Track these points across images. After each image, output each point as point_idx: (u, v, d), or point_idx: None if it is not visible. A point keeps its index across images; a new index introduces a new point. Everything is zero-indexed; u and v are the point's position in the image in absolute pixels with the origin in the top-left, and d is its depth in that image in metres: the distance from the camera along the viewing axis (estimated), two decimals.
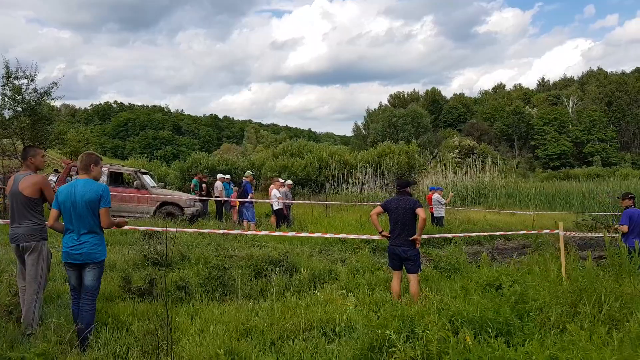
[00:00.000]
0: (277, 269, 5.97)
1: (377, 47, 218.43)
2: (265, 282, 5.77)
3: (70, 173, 12.61)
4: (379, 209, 5.81)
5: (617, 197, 9.54)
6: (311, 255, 8.37)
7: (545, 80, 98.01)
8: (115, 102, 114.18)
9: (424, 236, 6.16)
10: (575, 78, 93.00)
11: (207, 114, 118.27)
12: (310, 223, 12.52)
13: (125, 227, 4.79)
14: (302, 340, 3.87)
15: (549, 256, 6.14)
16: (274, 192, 11.99)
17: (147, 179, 13.50)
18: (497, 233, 8.88)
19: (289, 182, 13.73)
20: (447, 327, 3.37)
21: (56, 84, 13.92)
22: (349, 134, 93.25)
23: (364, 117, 77.78)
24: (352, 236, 7.79)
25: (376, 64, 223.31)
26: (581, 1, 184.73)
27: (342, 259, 8.08)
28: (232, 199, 13.18)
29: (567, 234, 6.87)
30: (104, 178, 12.45)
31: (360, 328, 4.15)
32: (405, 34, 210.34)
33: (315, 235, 7.67)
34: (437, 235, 7.66)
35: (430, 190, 13.74)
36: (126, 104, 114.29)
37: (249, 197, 11.93)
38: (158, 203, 12.59)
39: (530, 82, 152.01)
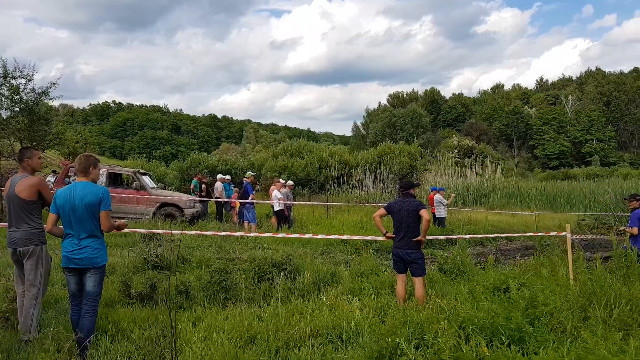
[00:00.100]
0: (281, 272, 5.86)
1: (376, 47, 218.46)
2: (269, 286, 5.66)
3: (69, 174, 12.48)
4: (382, 211, 5.72)
5: (625, 199, 9.47)
6: (313, 258, 8.27)
7: (543, 80, 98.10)
8: (114, 101, 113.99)
9: (429, 237, 6.06)
10: (574, 78, 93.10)
11: (206, 114, 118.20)
12: (311, 224, 12.42)
13: (126, 230, 4.68)
14: (309, 347, 3.77)
15: (558, 259, 6.01)
16: (275, 193, 11.88)
17: (147, 179, 13.38)
18: (504, 235, 8.79)
19: (290, 182, 13.62)
20: (459, 335, 3.27)
21: (54, 83, 13.79)
22: (348, 133, 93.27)
23: (363, 117, 77.72)
24: (356, 237, 7.69)
25: (375, 64, 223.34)
26: (579, 1, 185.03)
27: (345, 261, 7.98)
28: (233, 200, 13.06)
29: (575, 237, 6.77)
30: (102, 179, 12.33)
31: (367, 334, 4.06)
32: (404, 33, 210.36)
33: (319, 236, 7.56)
34: (442, 237, 7.56)
35: (431, 191, 13.64)
36: (124, 103, 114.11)
37: (249, 198, 11.82)
38: (157, 204, 12.46)
39: (528, 82, 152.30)
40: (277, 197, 11.82)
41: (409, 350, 3.21)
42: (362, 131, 73.84)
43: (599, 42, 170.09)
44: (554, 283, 4.93)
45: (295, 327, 4.12)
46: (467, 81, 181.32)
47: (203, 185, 14.40)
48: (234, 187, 15.02)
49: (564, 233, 5.94)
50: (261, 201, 13.58)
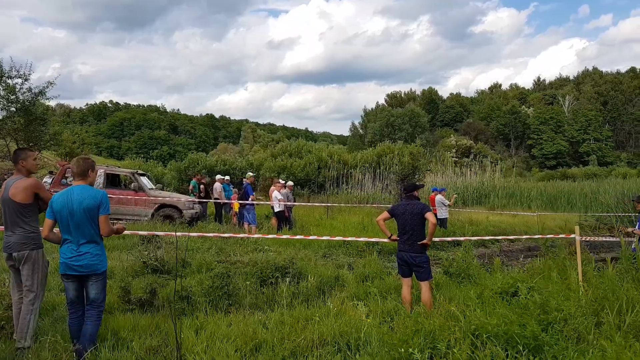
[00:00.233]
0: (285, 277, 5.72)
1: (374, 47, 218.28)
2: (272, 291, 5.52)
3: (66, 175, 12.29)
4: (385, 214, 5.59)
5: (632, 200, 9.38)
6: (315, 260, 8.13)
7: (541, 79, 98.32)
8: (111, 101, 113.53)
9: (435, 240, 5.94)
10: (571, 78, 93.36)
11: (204, 114, 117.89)
12: (312, 225, 12.28)
13: (126, 232, 4.53)
14: (316, 357, 3.63)
15: (568, 262, 5.89)
16: (275, 193, 11.73)
17: (145, 180, 13.20)
18: (512, 237, 8.66)
19: (290, 183, 13.45)
20: (474, 344, 3.15)
21: (52, 83, 13.63)
22: (346, 133, 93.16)
23: (361, 116, 77.63)
24: (361, 239, 7.56)
25: (373, 64, 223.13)
26: (576, 1, 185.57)
27: (349, 264, 7.84)
28: (232, 201, 12.90)
29: (584, 239, 6.66)
30: (100, 180, 12.15)
31: (375, 342, 3.92)
32: (402, 33, 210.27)
33: (323, 238, 7.42)
34: (449, 239, 7.43)
35: (432, 192, 13.52)
36: (122, 103, 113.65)
37: (250, 199, 11.67)
38: (156, 205, 12.29)
39: (526, 81, 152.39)
40: (277, 198, 11.67)
41: None
42: (360, 131, 73.76)
43: (596, 42, 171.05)
44: (565, 287, 4.80)
45: (301, 334, 3.98)
46: (465, 81, 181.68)
47: (201, 186, 14.24)
48: (233, 187, 14.85)
49: (572, 235, 5.82)
50: (262, 202, 13.42)
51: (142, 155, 56.45)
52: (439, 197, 12.49)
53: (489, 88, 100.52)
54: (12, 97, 12.99)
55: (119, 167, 15.06)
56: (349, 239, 7.59)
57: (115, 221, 10.62)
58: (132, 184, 12.52)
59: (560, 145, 70.16)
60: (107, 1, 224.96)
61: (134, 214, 12.06)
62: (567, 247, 7.56)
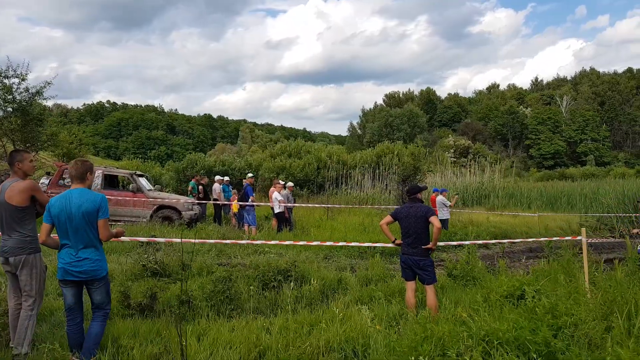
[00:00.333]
0: (288, 281, 5.62)
1: (372, 47, 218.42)
2: (275, 295, 5.42)
3: (63, 176, 12.15)
4: (388, 218, 5.49)
5: (638, 202, 9.32)
6: (316, 262, 8.03)
7: (538, 80, 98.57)
8: (108, 101, 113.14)
9: (440, 244, 5.85)
10: (569, 78, 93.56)
11: (201, 114, 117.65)
12: (312, 226, 12.17)
13: (125, 238, 4.42)
14: None
15: (576, 265, 5.80)
16: (275, 194, 11.62)
17: (143, 181, 13.07)
18: (517, 240, 8.57)
19: (290, 184, 13.32)
20: (486, 352, 3.06)
21: (49, 83, 13.48)
22: (344, 133, 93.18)
23: (360, 116, 77.58)
24: (365, 244, 7.46)
25: (370, 64, 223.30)
26: (573, 2, 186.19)
27: (351, 266, 7.74)
28: (232, 203, 12.77)
29: (590, 241, 6.58)
30: (98, 181, 12.02)
31: (383, 349, 3.83)
32: (400, 33, 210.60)
33: (327, 244, 7.32)
34: (454, 243, 7.34)
35: (433, 192, 13.42)
36: (119, 103, 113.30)
37: (249, 200, 11.56)
38: (155, 207, 12.16)
39: (523, 82, 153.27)
40: (278, 199, 11.56)
41: None
42: (359, 131, 73.70)
43: (593, 42, 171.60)
44: (574, 290, 4.71)
45: (306, 341, 3.88)
46: (462, 81, 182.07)
47: (200, 187, 14.11)
48: (232, 188, 14.73)
49: (579, 237, 5.74)
50: (262, 203, 13.30)
51: (139, 156, 56.30)
52: (440, 198, 12.39)
53: (487, 88, 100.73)
54: (8, 97, 12.84)
55: (117, 167, 14.92)
56: (352, 244, 7.50)
57: (113, 223, 10.51)
58: (131, 185, 12.40)
59: (557, 145, 70.31)
60: (104, 1, 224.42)
61: (133, 216, 11.93)
62: (570, 248, 7.48)
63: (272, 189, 12.15)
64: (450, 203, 12.41)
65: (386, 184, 21.45)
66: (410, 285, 5.30)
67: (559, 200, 18.17)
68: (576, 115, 72.60)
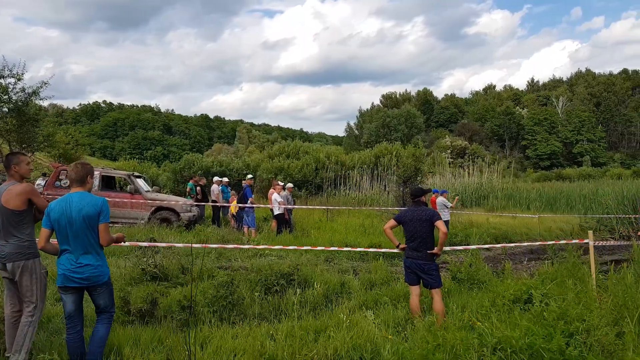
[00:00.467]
0: (291, 285, 5.51)
1: (368, 48, 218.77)
2: (278, 300, 5.31)
3: (60, 177, 11.99)
4: (392, 222, 5.39)
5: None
6: (318, 264, 7.92)
7: (534, 81, 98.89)
8: (104, 101, 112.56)
9: (446, 248, 5.76)
10: (564, 79, 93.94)
11: (198, 114, 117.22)
12: (312, 228, 12.06)
13: (125, 243, 4.30)
14: None
15: (585, 270, 5.72)
16: (275, 196, 11.50)
17: (141, 182, 12.92)
18: (525, 244, 8.50)
19: (290, 185, 13.19)
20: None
21: (45, 83, 13.30)
22: (341, 134, 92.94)
23: (357, 117, 77.49)
24: (371, 250, 7.36)
25: (367, 65, 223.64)
26: (568, 3, 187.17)
27: (353, 269, 7.65)
28: (231, 204, 12.64)
29: (597, 244, 6.51)
30: (95, 182, 11.86)
31: (392, 356, 3.73)
32: (396, 34, 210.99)
33: (332, 249, 7.23)
34: (460, 248, 7.25)
35: (433, 193, 13.33)
36: (115, 103, 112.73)
37: (248, 201, 11.44)
38: (153, 208, 12.02)
39: (519, 83, 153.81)
40: (277, 200, 11.44)
41: None
42: (356, 132, 73.60)
43: (588, 43, 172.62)
44: (584, 296, 4.63)
45: (313, 348, 3.78)
46: (458, 82, 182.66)
47: (198, 188, 13.95)
48: (231, 190, 14.60)
49: (586, 240, 5.66)
50: (261, 205, 13.18)
51: (136, 156, 55.98)
52: (440, 199, 12.31)
53: (483, 89, 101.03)
54: (4, 97, 12.66)
55: (114, 169, 14.76)
56: (358, 249, 7.42)
57: (110, 225, 10.34)
58: (129, 187, 12.24)
59: (554, 146, 70.54)
60: (100, 1, 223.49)
61: (130, 217, 11.78)
62: (574, 251, 7.41)
63: (271, 190, 12.03)
64: (451, 204, 12.32)
65: (385, 185, 21.38)
66: (415, 290, 5.19)
67: (558, 201, 18.14)
68: (572, 116, 72.88)
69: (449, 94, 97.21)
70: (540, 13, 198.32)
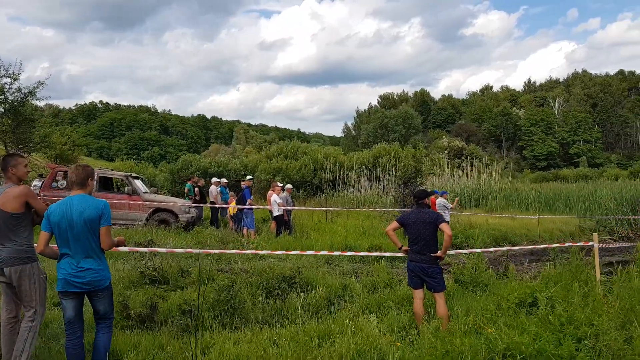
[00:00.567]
0: (293, 288, 5.43)
1: (366, 48, 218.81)
2: (280, 304, 5.23)
3: (56, 178, 11.86)
4: (395, 224, 5.30)
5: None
6: (318, 267, 7.85)
7: (531, 82, 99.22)
8: (101, 102, 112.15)
9: (451, 252, 5.70)
10: (561, 80, 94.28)
11: (195, 114, 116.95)
12: (312, 229, 11.97)
13: (125, 248, 4.21)
14: None
15: (591, 274, 5.67)
16: (274, 197, 11.40)
17: (139, 183, 12.80)
18: (530, 247, 8.45)
19: (289, 186, 13.09)
20: None
21: (42, 83, 13.15)
22: (338, 134, 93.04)
23: (354, 117, 77.53)
24: (374, 254, 7.29)
25: (364, 65, 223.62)
26: (564, 5, 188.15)
27: (354, 271, 7.57)
28: (229, 206, 12.54)
29: (601, 246, 6.46)
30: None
31: None
32: (394, 35, 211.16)
33: (335, 253, 7.16)
34: (465, 251, 7.19)
35: (433, 194, 13.27)
36: (112, 104, 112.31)
37: (247, 203, 11.34)
38: (151, 210, 11.90)
39: (516, 83, 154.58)
40: (277, 201, 11.35)
41: None
42: (353, 132, 73.62)
43: (584, 44, 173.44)
44: (591, 299, 4.57)
45: (317, 354, 3.70)
46: (455, 83, 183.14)
47: (196, 189, 13.83)
48: (230, 191, 14.49)
49: (591, 243, 5.61)
50: (260, 207, 13.08)
51: (133, 157, 55.75)
52: (440, 200, 12.23)
53: (480, 90, 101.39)
54: (0, 97, 12.52)
55: (111, 169, 14.62)
56: (361, 254, 7.35)
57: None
58: (126, 188, 12.12)
59: (550, 146, 70.79)
60: (96, 1, 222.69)
61: (128, 219, 11.66)
62: (577, 253, 7.37)
63: (270, 191, 11.93)
64: (451, 205, 12.25)
65: (383, 186, 21.33)
66: (418, 294, 5.11)
67: (557, 202, 18.14)
68: (568, 117, 73.18)
69: (446, 94, 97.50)
70: (537, 14, 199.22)
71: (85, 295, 3.45)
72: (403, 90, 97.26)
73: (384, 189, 20.86)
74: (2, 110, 12.74)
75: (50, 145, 17.37)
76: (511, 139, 75.97)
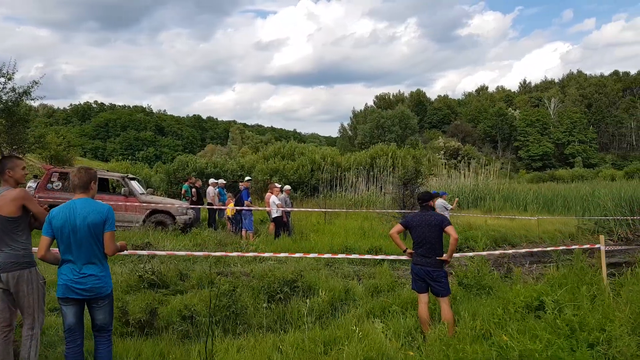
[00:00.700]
0: (295, 292, 5.32)
1: (362, 49, 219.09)
2: (282, 308, 5.11)
3: (52, 179, 11.67)
4: (398, 227, 5.19)
5: None
6: (319, 270, 7.73)
7: (526, 82, 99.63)
8: (96, 102, 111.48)
9: (456, 255, 5.61)
10: (556, 80, 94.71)
11: (190, 115, 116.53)
12: (311, 231, 11.86)
13: (125, 252, 4.09)
14: None
15: (600, 276, 5.58)
16: (273, 199, 11.27)
17: (135, 185, 12.64)
18: (536, 249, 8.38)
19: (287, 187, 12.96)
20: None
21: (37, 82, 12.96)
22: (334, 134, 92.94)
23: (350, 118, 77.43)
24: (378, 257, 7.18)
25: (360, 66, 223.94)
26: (559, 5, 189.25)
27: (356, 274, 7.47)
28: (226, 207, 12.40)
29: (608, 248, 6.39)
30: None
31: None
32: (389, 35, 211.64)
33: (340, 256, 7.07)
34: (470, 254, 7.11)
35: (438, 196, 13.17)
36: (107, 104, 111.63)
37: (245, 204, 11.21)
38: (147, 211, 11.74)
39: (511, 84, 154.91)
40: (275, 203, 11.22)
41: None
42: (349, 132, 73.54)
43: (579, 45, 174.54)
44: (601, 304, 4.49)
45: None
46: (451, 83, 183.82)
47: (193, 190, 13.67)
48: (227, 192, 14.35)
49: (597, 245, 5.54)
50: (260, 208, 12.95)
51: (128, 157, 55.41)
52: (440, 201, 12.13)
53: (476, 90, 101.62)
54: None
55: (107, 170, 14.45)
56: (366, 256, 7.24)
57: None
58: (122, 189, 11.96)
59: (546, 147, 71.08)
60: (91, 1, 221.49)
61: (125, 221, 11.49)
62: (580, 255, 7.30)
63: (268, 193, 11.80)
64: (451, 206, 12.18)
65: (381, 186, 21.24)
66: (423, 298, 4.99)
67: (555, 202, 18.12)
68: (564, 117, 73.51)
69: (442, 95, 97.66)
70: (532, 15, 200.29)
71: (85, 304, 3.33)
72: (399, 91, 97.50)
73: (381, 190, 20.77)
74: None
75: (45, 146, 17.15)
76: (507, 139, 76.25)
